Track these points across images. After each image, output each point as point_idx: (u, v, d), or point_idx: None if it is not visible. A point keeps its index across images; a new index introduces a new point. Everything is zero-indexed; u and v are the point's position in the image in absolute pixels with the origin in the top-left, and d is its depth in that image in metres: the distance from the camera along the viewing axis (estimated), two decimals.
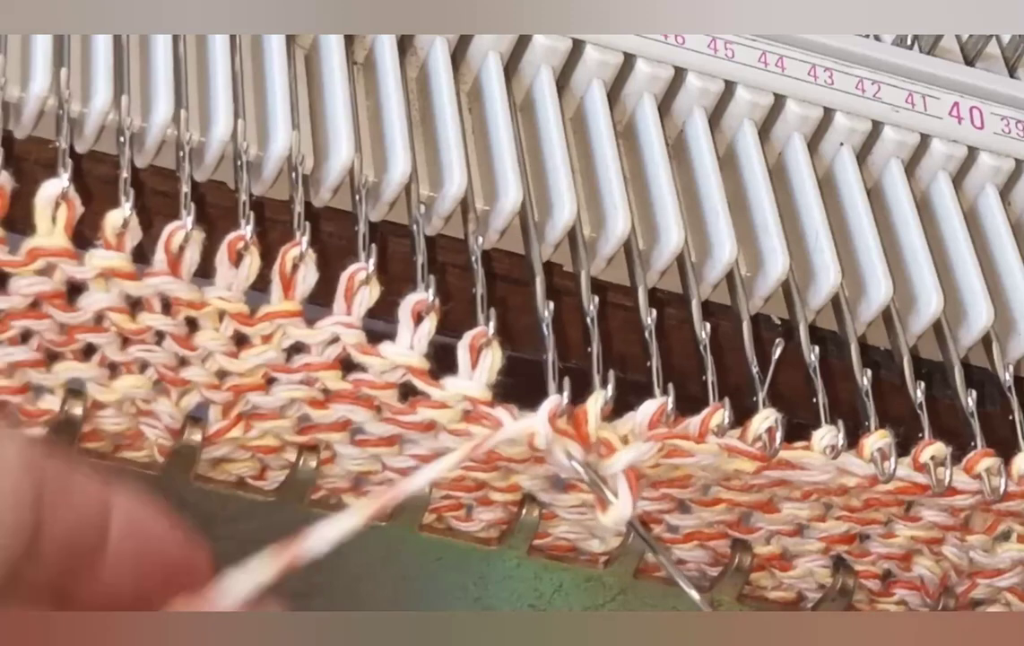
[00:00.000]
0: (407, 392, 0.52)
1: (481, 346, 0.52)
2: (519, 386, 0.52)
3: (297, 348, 0.51)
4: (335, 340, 0.51)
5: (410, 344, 0.51)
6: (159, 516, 0.42)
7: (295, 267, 0.51)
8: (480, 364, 0.51)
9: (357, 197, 0.55)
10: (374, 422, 0.52)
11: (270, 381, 0.52)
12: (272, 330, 0.51)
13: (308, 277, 0.51)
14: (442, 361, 0.52)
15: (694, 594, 0.49)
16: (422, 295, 0.52)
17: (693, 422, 0.53)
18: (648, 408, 0.53)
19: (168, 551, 0.42)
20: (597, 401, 0.51)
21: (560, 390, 0.52)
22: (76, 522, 0.40)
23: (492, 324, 0.52)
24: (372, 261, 0.52)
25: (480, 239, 0.56)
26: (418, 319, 0.51)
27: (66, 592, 0.40)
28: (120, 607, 0.41)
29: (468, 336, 0.52)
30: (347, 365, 0.52)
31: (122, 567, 0.41)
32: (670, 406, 0.53)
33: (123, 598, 0.41)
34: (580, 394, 0.52)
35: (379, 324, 0.52)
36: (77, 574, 0.40)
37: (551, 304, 0.55)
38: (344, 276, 0.51)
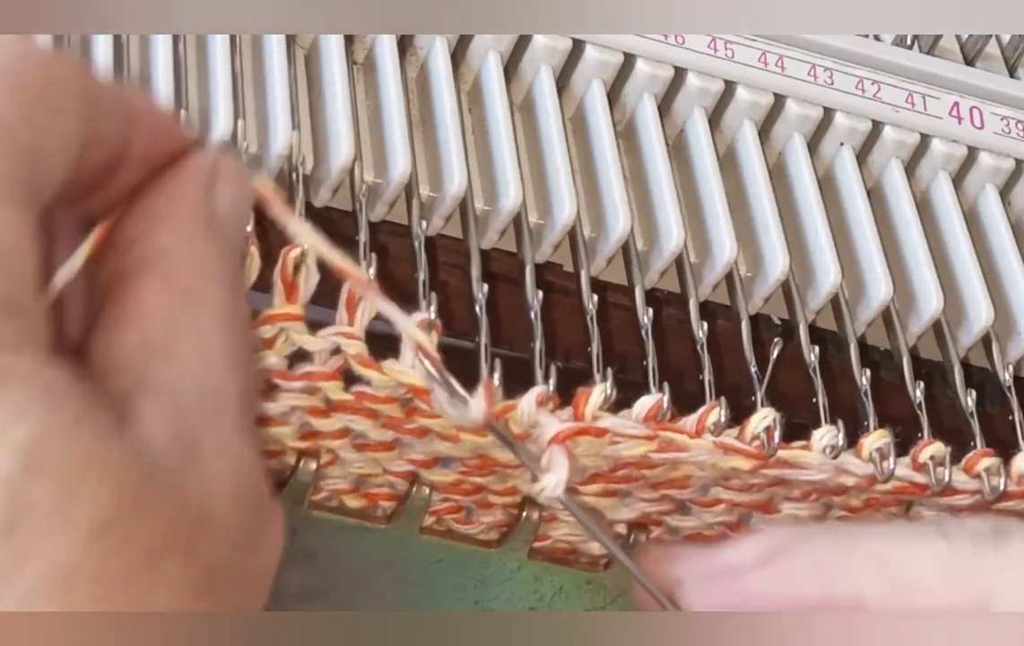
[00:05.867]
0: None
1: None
2: (518, 387, 0.52)
3: (299, 354, 0.51)
4: (337, 351, 0.51)
5: (412, 363, 0.51)
6: (172, 124, 0.43)
7: (296, 268, 0.51)
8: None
9: (357, 205, 0.55)
10: (374, 430, 0.52)
11: (272, 387, 0.52)
12: (274, 333, 0.51)
13: (310, 279, 0.51)
14: (442, 360, 0.52)
15: (634, 569, 0.49)
16: (424, 314, 0.51)
17: (689, 419, 0.53)
18: (644, 402, 0.53)
19: (177, 156, 0.42)
20: (600, 391, 0.52)
21: (547, 379, 0.52)
22: (111, 145, 0.40)
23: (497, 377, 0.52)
24: (372, 270, 0.52)
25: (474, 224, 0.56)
26: None
27: (79, 205, 0.41)
28: (119, 203, 0.41)
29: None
30: (348, 373, 0.52)
31: (136, 168, 0.41)
32: (666, 402, 0.53)
33: (124, 195, 0.41)
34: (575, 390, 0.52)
35: (378, 324, 0.52)
36: (96, 190, 0.41)
37: (540, 293, 0.55)
38: (345, 286, 0.51)
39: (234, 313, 0.41)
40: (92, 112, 0.39)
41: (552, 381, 0.52)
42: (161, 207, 0.41)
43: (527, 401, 0.50)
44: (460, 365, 0.52)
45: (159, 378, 0.39)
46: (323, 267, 0.51)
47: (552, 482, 0.49)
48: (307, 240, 0.47)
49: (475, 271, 0.56)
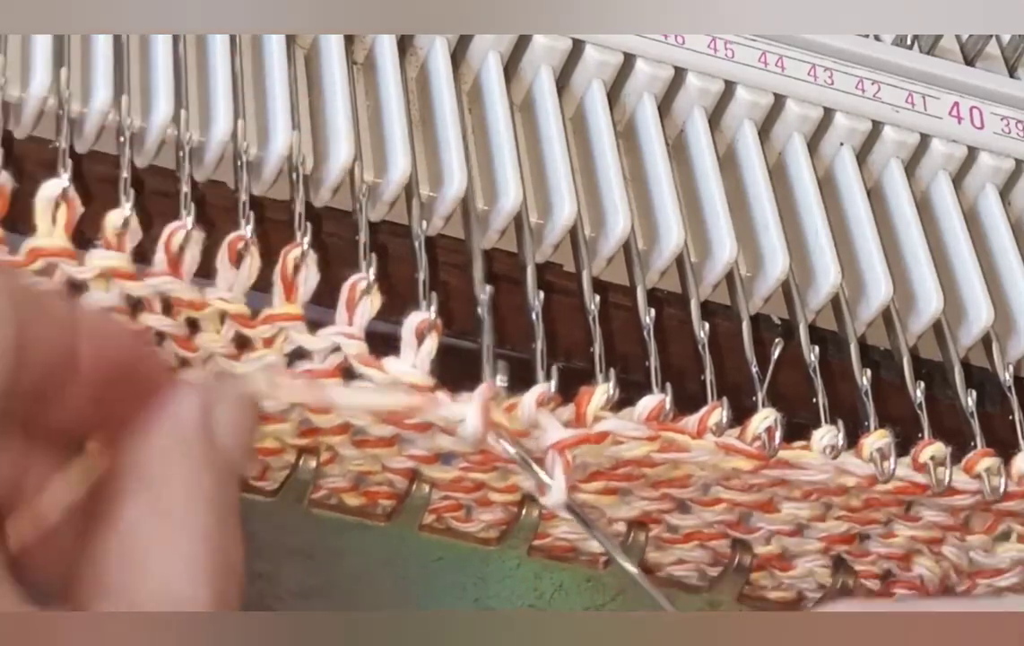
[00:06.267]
0: None
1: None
2: (519, 387, 0.52)
3: (299, 353, 0.51)
4: (337, 349, 0.51)
5: (413, 363, 0.51)
6: (123, 332, 0.43)
7: (296, 268, 0.51)
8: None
9: (357, 205, 0.55)
10: (375, 425, 0.52)
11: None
12: (273, 333, 0.51)
13: (310, 279, 0.51)
14: (442, 360, 0.52)
15: (648, 585, 0.50)
16: (424, 315, 0.51)
17: (691, 420, 0.53)
18: (647, 403, 0.53)
19: (131, 364, 0.42)
20: (603, 392, 0.52)
21: (548, 379, 0.52)
22: (51, 350, 0.40)
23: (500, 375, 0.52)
24: (372, 270, 0.52)
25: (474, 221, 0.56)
26: (421, 338, 0.51)
27: (36, 420, 0.41)
28: (85, 426, 0.41)
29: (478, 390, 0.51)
30: (347, 371, 0.52)
31: (89, 386, 0.41)
32: (668, 403, 0.53)
33: (89, 418, 0.41)
34: (576, 390, 0.52)
35: (380, 325, 0.52)
36: (48, 401, 0.40)
37: (541, 294, 0.55)
38: (345, 287, 0.51)
39: (219, 535, 0.41)
40: (26, 315, 0.39)
41: (554, 381, 0.52)
42: (157, 435, 0.41)
43: (528, 400, 0.50)
44: (460, 365, 0.52)
45: (123, 586, 0.39)
46: (323, 267, 0.52)
47: (553, 499, 0.49)
48: (352, 402, 0.49)
49: (477, 272, 0.55)
